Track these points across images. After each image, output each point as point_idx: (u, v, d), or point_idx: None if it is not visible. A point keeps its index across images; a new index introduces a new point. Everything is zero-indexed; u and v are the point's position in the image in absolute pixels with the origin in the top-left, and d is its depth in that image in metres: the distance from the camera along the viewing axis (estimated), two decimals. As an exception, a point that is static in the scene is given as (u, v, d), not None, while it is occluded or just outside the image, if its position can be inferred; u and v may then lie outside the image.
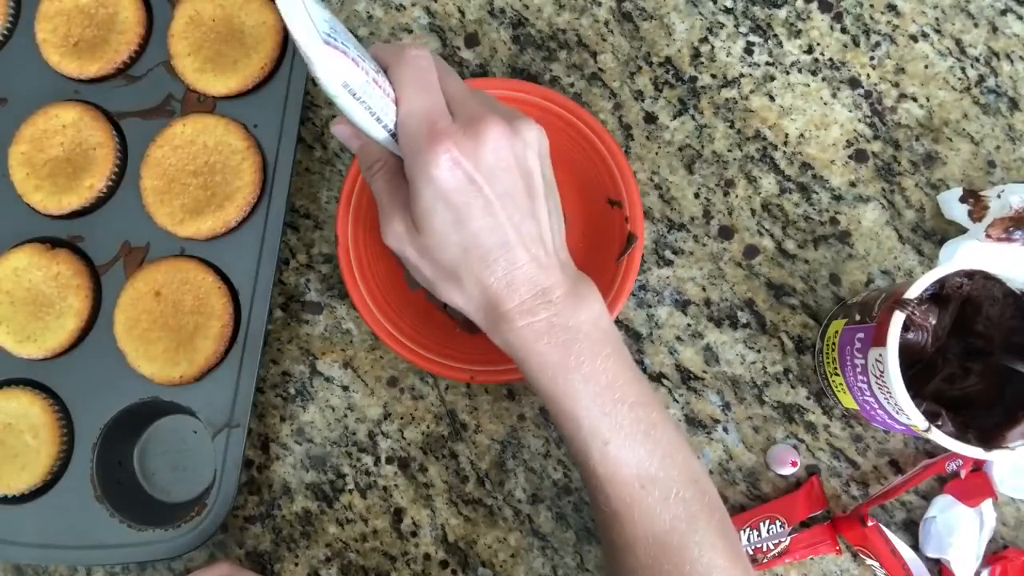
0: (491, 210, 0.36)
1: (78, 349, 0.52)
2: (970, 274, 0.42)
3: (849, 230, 0.53)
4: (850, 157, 0.54)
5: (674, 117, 0.55)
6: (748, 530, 0.48)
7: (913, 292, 0.41)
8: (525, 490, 0.52)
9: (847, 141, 0.54)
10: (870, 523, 0.47)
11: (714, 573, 0.37)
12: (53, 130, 0.54)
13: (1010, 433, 0.41)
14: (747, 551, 0.48)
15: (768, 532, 0.48)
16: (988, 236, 0.48)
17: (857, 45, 0.55)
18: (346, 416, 0.53)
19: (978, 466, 0.48)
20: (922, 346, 0.44)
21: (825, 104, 0.54)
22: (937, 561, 0.48)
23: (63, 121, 0.54)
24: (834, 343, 0.47)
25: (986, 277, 0.42)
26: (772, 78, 0.55)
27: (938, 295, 0.43)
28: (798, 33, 0.56)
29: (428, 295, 0.46)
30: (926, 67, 0.55)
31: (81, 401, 0.52)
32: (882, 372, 0.41)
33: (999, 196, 0.49)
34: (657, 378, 0.52)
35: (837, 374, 0.47)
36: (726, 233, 0.53)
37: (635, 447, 0.37)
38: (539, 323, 0.37)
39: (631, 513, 0.37)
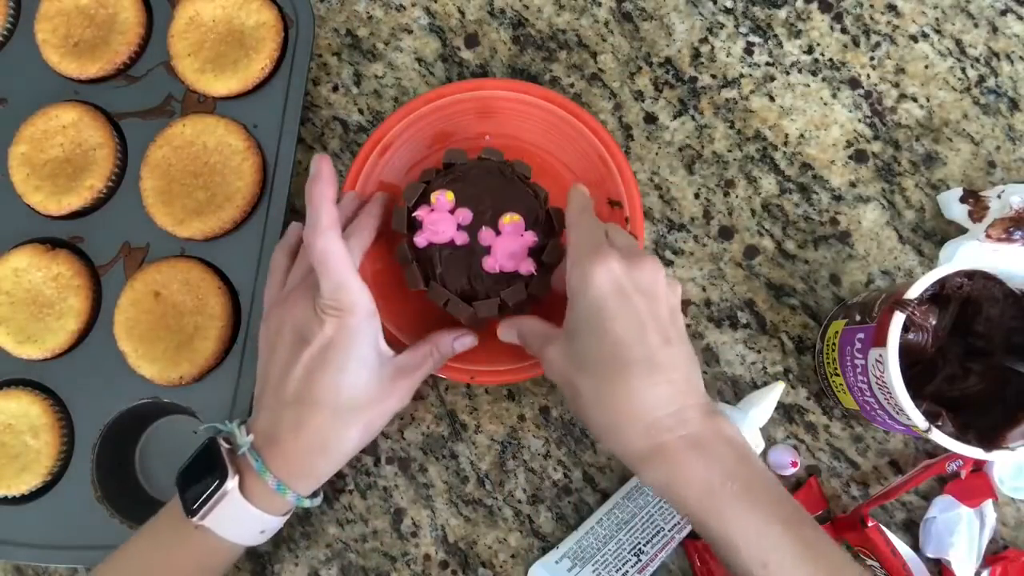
0: (639, 322, 0.38)
1: (78, 350, 0.52)
2: (970, 274, 0.42)
3: (849, 230, 0.53)
4: (850, 157, 0.54)
5: (674, 117, 0.55)
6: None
7: (913, 292, 0.41)
8: (525, 490, 0.52)
9: (847, 141, 0.54)
10: (870, 523, 0.47)
11: None
12: (53, 130, 0.54)
13: (1010, 433, 0.41)
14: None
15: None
16: (988, 236, 0.48)
17: (857, 45, 0.55)
18: (346, 416, 0.53)
19: (978, 466, 0.48)
20: (922, 346, 0.44)
21: (825, 104, 0.54)
22: (937, 561, 0.48)
23: (63, 121, 0.54)
24: (834, 343, 0.47)
25: (986, 277, 0.42)
26: (772, 78, 0.55)
27: (938, 295, 0.43)
28: (798, 33, 0.56)
29: (429, 294, 0.46)
30: (926, 67, 0.55)
31: (81, 401, 0.52)
32: (882, 372, 0.41)
33: (999, 196, 0.49)
34: (657, 378, 0.52)
35: (837, 374, 0.47)
36: (726, 233, 0.53)
37: (797, 567, 0.36)
38: (681, 441, 0.37)
39: None
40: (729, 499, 0.37)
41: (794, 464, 0.49)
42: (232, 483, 0.40)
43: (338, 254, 0.40)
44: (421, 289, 0.46)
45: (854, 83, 0.55)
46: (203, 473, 0.41)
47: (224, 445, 0.42)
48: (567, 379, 0.41)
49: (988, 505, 0.47)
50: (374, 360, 0.42)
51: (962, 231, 0.51)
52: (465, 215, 0.46)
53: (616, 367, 0.38)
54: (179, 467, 0.43)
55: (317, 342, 0.41)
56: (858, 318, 0.45)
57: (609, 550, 0.48)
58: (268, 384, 0.43)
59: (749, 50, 0.56)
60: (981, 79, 0.54)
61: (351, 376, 0.41)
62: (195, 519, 0.40)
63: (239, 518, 0.41)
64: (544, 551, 0.50)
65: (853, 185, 0.53)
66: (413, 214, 0.46)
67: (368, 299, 0.41)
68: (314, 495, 0.44)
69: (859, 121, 0.54)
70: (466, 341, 0.47)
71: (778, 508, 0.37)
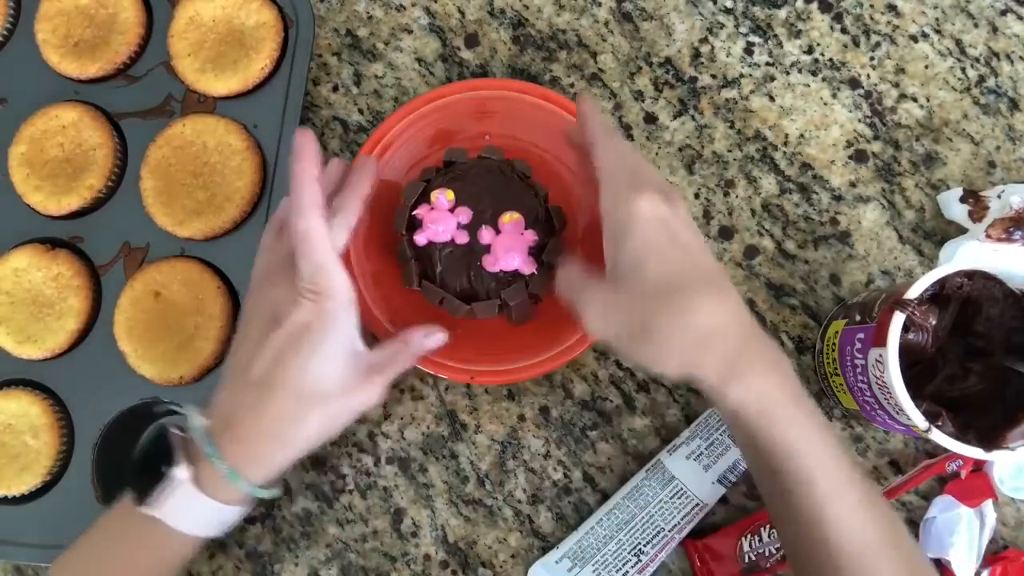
0: (695, 250, 0.37)
1: (78, 349, 0.52)
2: (970, 274, 0.42)
3: (849, 230, 0.53)
4: (850, 157, 0.54)
5: (674, 117, 0.55)
6: (749, 536, 0.48)
7: (913, 292, 0.41)
8: (525, 490, 0.52)
9: (847, 141, 0.54)
10: (870, 523, 0.47)
11: None
12: (53, 130, 0.54)
13: (1010, 433, 0.41)
14: (749, 558, 0.48)
15: (770, 537, 0.47)
16: (988, 236, 0.48)
17: (857, 45, 0.55)
18: (346, 416, 0.53)
19: (978, 466, 0.48)
20: (922, 346, 0.44)
21: (825, 104, 0.54)
22: (937, 561, 0.48)
23: (63, 121, 0.54)
24: (834, 343, 0.47)
25: (986, 277, 0.42)
26: (772, 78, 0.55)
27: (938, 295, 0.43)
28: (798, 33, 0.56)
29: (423, 293, 0.46)
30: (926, 67, 0.55)
31: (81, 401, 0.52)
32: (882, 372, 0.41)
33: (999, 196, 0.49)
34: (657, 378, 0.52)
35: (837, 374, 0.47)
36: (726, 233, 0.53)
37: (865, 511, 0.36)
38: (758, 357, 0.36)
39: None
40: (812, 421, 0.36)
41: (794, 464, 0.49)
42: (182, 471, 0.38)
43: (319, 236, 0.39)
44: (416, 288, 0.46)
45: (854, 83, 0.55)
46: (155, 461, 0.39)
47: (177, 433, 0.40)
48: (626, 319, 0.37)
49: (988, 505, 0.47)
50: (347, 350, 0.41)
51: (962, 231, 0.51)
52: (465, 214, 0.46)
53: (686, 290, 0.36)
54: (132, 455, 0.41)
55: (290, 325, 0.39)
56: (858, 318, 0.45)
57: (609, 550, 0.48)
58: (235, 364, 0.41)
59: (749, 50, 0.56)
60: (981, 79, 0.54)
61: (321, 363, 0.39)
62: (145, 509, 0.39)
63: (192, 508, 0.39)
64: (544, 551, 0.50)
65: (853, 185, 0.53)
66: (413, 213, 0.46)
67: (347, 286, 0.40)
68: (271, 485, 0.41)
69: (859, 121, 0.54)
70: (437, 338, 0.45)
71: (838, 450, 0.37)
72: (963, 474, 0.48)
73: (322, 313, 0.39)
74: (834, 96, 0.55)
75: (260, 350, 0.40)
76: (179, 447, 0.39)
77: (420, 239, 0.46)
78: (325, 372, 0.40)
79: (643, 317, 0.36)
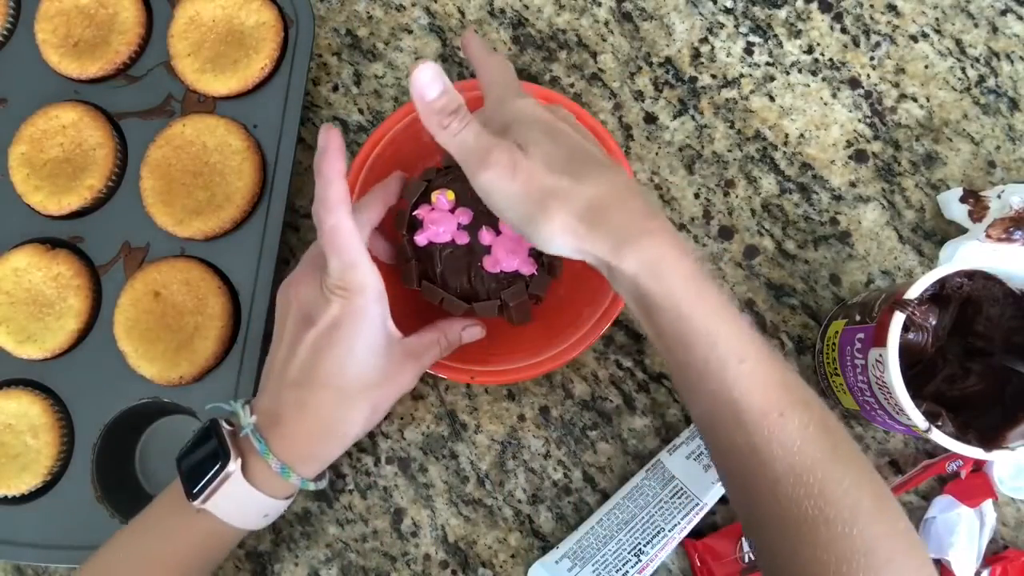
0: (574, 138, 0.38)
1: (78, 349, 0.52)
2: (970, 274, 0.42)
3: (849, 230, 0.53)
4: (850, 157, 0.54)
5: (674, 117, 0.55)
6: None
7: (913, 292, 0.41)
8: (525, 490, 0.52)
9: (847, 141, 0.54)
10: (870, 523, 0.47)
11: (861, 516, 0.33)
12: (53, 130, 0.54)
13: (1010, 433, 0.41)
14: (749, 557, 0.48)
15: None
16: (988, 236, 0.48)
17: (857, 45, 0.55)
18: (346, 416, 0.53)
19: (978, 466, 0.48)
20: (922, 346, 0.44)
21: (825, 104, 0.54)
22: (937, 561, 0.48)
23: (63, 121, 0.54)
24: (834, 343, 0.47)
25: (986, 277, 0.42)
26: (772, 78, 0.55)
27: (938, 295, 0.43)
28: (798, 33, 0.56)
29: (423, 293, 0.46)
30: (926, 67, 0.55)
31: (81, 401, 0.52)
32: (882, 372, 0.41)
33: (999, 196, 0.49)
34: (657, 378, 0.52)
35: (837, 374, 0.47)
36: (726, 233, 0.53)
37: (769, 369, 0.35)
38: (664, 229, 0.36)
39: (770, 447, 0.34)
40: (716, 293, 0.35)
41: (794, 464, 0.49)
42: (235, 465, 0.39)
43: (348, 232, 0.39)
44: (415, 288, 0.46)
45: (854, 83, 0.55)
46: (205, 455, 0.40)
47: (226, 427, 0.41)
48: (524, 194, 0.36)
49: (988, 505, 0.47)
50: (382, 341, 0.41)
51: (962, 231, 0.51)
52: (466, 214, 0.46)
53: (574, 166, 0.36)
54: (179, 449, 0.42)
55: (323, 322, 0.40)
56: (858, 318, 0.45)
57: (609, 550, 0.48)
58: (273, 364, 0.42)
59: (749, 50, 0.56)
60: (981, 79, 0.54)
61: (357, 357, 0.40)
62: (196, 503, 0.40)
63: (242, 501, 0.41)
64: (544, 551, 0.50)
65: (853, 185, 0.53)
66: (413, 213, 0.46)
67: (377, 279, 0.40)
68: (319, 477, 0.43)
69: (859, 121, 0.54)
70: (474, 331, 0.46)
71: (739, 314, 0.36)
72: (963, 474, 0.48)
73: (354, 309, 0.40)
74: (834, 96, 0.55)
75: (296, 350, 0.40)
76: (230, 442, 0.40)
77: (420, 239, 0.46)
78: (362, 365, 0.41)
79: (538, 190, 0.36)
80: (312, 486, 0.42)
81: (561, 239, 0.36)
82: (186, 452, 0.42)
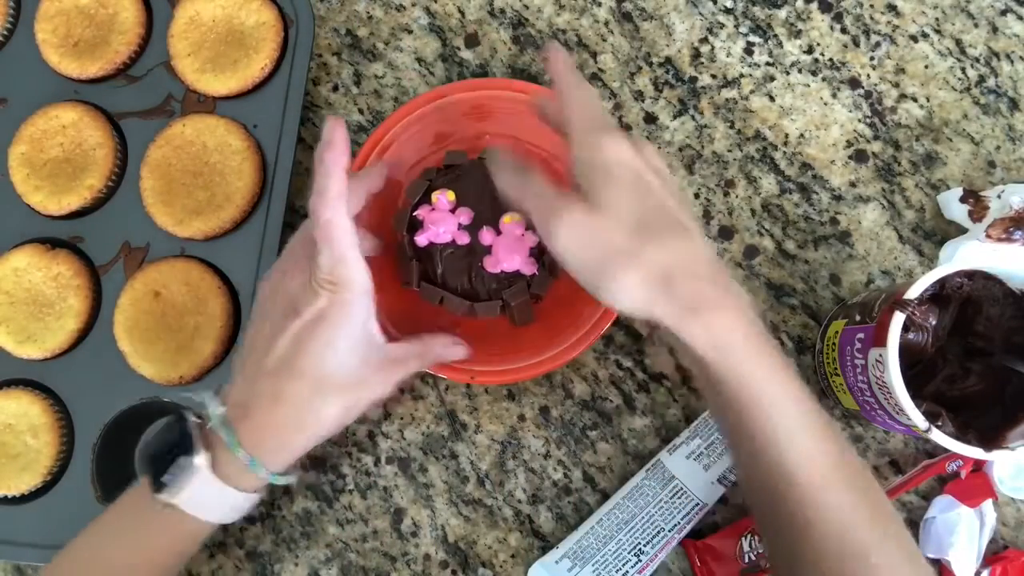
0: (658, 194, 0.37)
1: (78, 349, 0.52)
2: (970, 274, 0.42)
3: (849, 230, 0.53)
4: (850, 157, 0.54)
5: (674, 117, 0.55)
6: (749, 536, 0.48)
7: (913, 292, 0.41)
8: (525, 490, 0.52)
9: (847, 141, 0.54)
10: (870, 523, 0.47)
11: None
12: (53, 130, 0.54)
13: (1010, 433, 0.41)
14: (749, 557, 0.48)
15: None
16: (988, 236, 0.48)
17: (857, 45, 0.55)
18: (346, 416, 0.53)
19: (978, 466, 0.48)
20: (922, 346, 0.44)
21: (825, 104, 0.54)
22: (937, 561, 0.48)
23: (63, 121, 0.54)
24: (834, 343, 0.47)
25: (986, 277, 0.42)
26: (772, 78, 0.55)
27: (938, 295, 0.43)
28: (798, 33, 0.56)
29: (421, 293, 0.46)
30: (926, 67, 0.55)
31: (81, 401, 0.52)
32: (882, 372, 0.41)
33: (999, 196, 0.49)
34: (657, 378, 0.52)
35: (837, 374, 0.47)
36: (726, 233, 0.53)
37: (822, 442, 0.35)
38: (729, 296, 0.36)
39: (818, 521, 0.35)
40: (768, 367, 0.36)
41: (794, 464, 0.49)
42: (201, 459, 0.38)
43: (342, 227, 0.39)
44: (416, 289, 0.46)
45: (854, 83, 0.55)
46: (171, 448, 0.39)
47: (194, 419, 0.40)
48: (600, 247, 0.37)
49: (988, 505, 0.47)
50: (363, 341, 0.41)
51: (962, 231, 0.51)
52: (466, 215, 0.46)
53: (653, 227, 0.36)
54: (143, 441, 0.41)
55: (308, 314, 0.39)
56: (858, 318, 0.45)
57: (609, 550, 0.48)
58: (252, 351, 0.41)
59: (749, 50, 0.56)
60: (981, 79, 0.54)
61: (339, 353, 0.40)
62: (163, 496, 0.39)
63: (209, 496, 0.40)
64: (544, 551, 0.50)
65: (853, 185, 0.53)
66: (414, 213, 0.46)
67: (365, 277, 0.40)
68: (287, 472, 0.42)
69: (859, 121, 0.54)
70: (457, 351, 0.46)
71: (795, 384, 0.36)
72: (963, 474, 0.48)
73: (340, 303, 0.39)
74: (834, 96, 0.55)
75: (277, 339, 0.40)
76: (197, 434, 0.39)
77: (421, 240, 0.46)
78: (342, 361, 0.40)
79: (615, 249, 0.36)
80: (281, 480, 0.41)
81: (629, 300, 0.36)
82: (151, 445, 0.40)
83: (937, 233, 0.52)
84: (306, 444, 0.41)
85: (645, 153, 0.38)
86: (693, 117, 0.55)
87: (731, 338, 0.36)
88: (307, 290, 0.40)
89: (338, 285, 0.39)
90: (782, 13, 0.56)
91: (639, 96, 0.55)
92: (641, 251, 0.36)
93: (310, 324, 0.39)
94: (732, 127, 0.55)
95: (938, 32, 0.55)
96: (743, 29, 0.56)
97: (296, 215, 0.56)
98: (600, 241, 0.36)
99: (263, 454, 0.40)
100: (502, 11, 0.57)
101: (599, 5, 0.57)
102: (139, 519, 0.41)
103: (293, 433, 0.40)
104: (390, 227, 0.48)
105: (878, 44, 0.55)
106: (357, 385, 0.41)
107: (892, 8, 0.55)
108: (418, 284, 0.46)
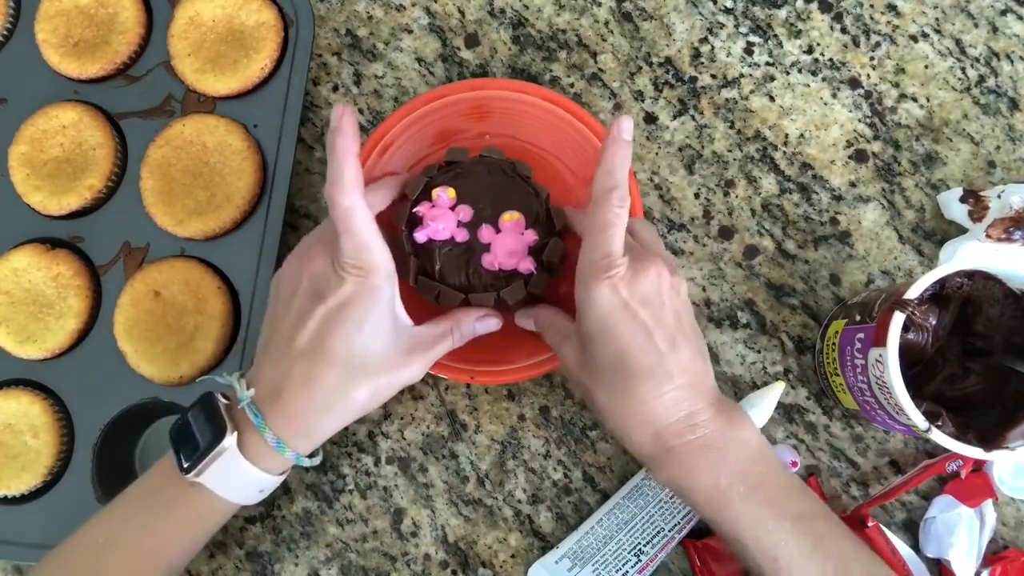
0: (645, 333, 0.39)
1: (78, 349, 0.52)
2: (970, 274, 0.42)
3: (849, 230, 0.53)
4: (850, 157, 0.54)
5: (674, 117, 0.55)
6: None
7: (913, 292, 0.41)
8: (525, 490, 0.52)
9: (847, 141, 0.54)
10: (870, 524, 0.47)
11: None
12: (53, 130, 0.54)
13: (1010, 433, 0.41)
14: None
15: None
16: (988, 236, 0.48)
17: (857, 45, 0.55)
18: (346, 416, 0.53)
19: (978, 466, 0.48)
20: (922, 346, 0.44)
21: (825, 104, 0.54)
22: (937, 561, 0.48)
23: (63, 121, 0.54)
24: (834, 343, 0.47)
25: (986, 277, 0.42)
26: (772, 78, 0.55)
27: (938, 295, 0.43)
28: (798, 33, 0.56)
29: (418, 289, 0.46)
30: (926, 67, 0.55)
31: (81, 401, 0.52)
32: (882, 372, 0.41)
33: (999, 196, 0.49)
34: (657, 378, 0.52)
35: (837, 374, 0.47)
36: (726, 233, 0.53)
37: (806, 563, 0.37)
38: (690, 445, 0.39)
39: None
40: (736, 499, 0.38)
41: (794, 464, 0.49)
42: (230, 439, 0.39)
43: (361, 213, 0.39)
44: (412, 284, 0.46)
45: (854, 83, 0.55)
46: (199, 429, 0.40)
47: (222, 400, 0.41)
48: (580, 382, 0.42)
49: (988, 505, 0.47)
50: (390, 325, 0.41)
51: (962, 231, 0.51)
52: (465, 212, 0.46)
53: (624, 377, 0.39)
54: (173, 422, 0.41)
55: (334, 299, 0.40)
56: (858, 318, 0.45)
57: (609, 550, 0.48)
58: (278, 335, 0.41)
59: (749, 50, 0.56)
60: (981, 79, 0.54)
61: (367, 336, 0.40)
62: (190, 476, 0.39)
63: (237, 476, 0.40)
64: (544, 551, 0.50)
65: (853, 185, 0.53)
66: (414, 209, 0.46)
67: (388, 260, 0.40)
68: (313, 455, 0.42)
69: (859, 121, 0.54)
70: (490, 323, 0.46)
71: (789, 504, 0.38)
72: (963, 474, 0.48)
73: (366, 288, 0.40)
74: (834, 96, 0.55)
75: (305, 323, 0.40)
76: (226, 415, 0.40)
77: (420, 236, 0.46)
78: (370, 345, 0.40)
79: (597, 396, 0.40)
80: (307, 462, 0.42)
81: (610, 432, 0.43)
82: (180, 425, 0.41)
83: (937, 233, 0.52)
84: (334, 427, 0.42)
85: (637, 286, 0.40)
86: (693, 117, 0.55)
87: (683, 484, 0.39)
88: (332, 275, 0.40)
89: (363, 270, 0.39)
90: (782, 13, 0.56)
91: (639, 96, 0.55)
92: (610, 399, 0.40)
93: (337, 309, 0.40)
94: (732, 127, 0.55)
95: (938, 32, 0.55)
96: (743, 29, 0.56)
97: (296, 215, 0.56)
98: (583, 376, 0.42)
99: (290, 437, 0.40)
100: (502, 11, 0.57)
101: (599, 5, 0.57)
102: (165, 497, 0.41)
103: (322, 416, 0.41)
104: (391, 222, 0.48)
105: (878, 44, 0.55)
106: (387, 369, 0.41)
107: (892, 8, 0.55)
108: (415, 279, 0.46)
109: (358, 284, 0.40)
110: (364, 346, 0.40)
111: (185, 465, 0.39)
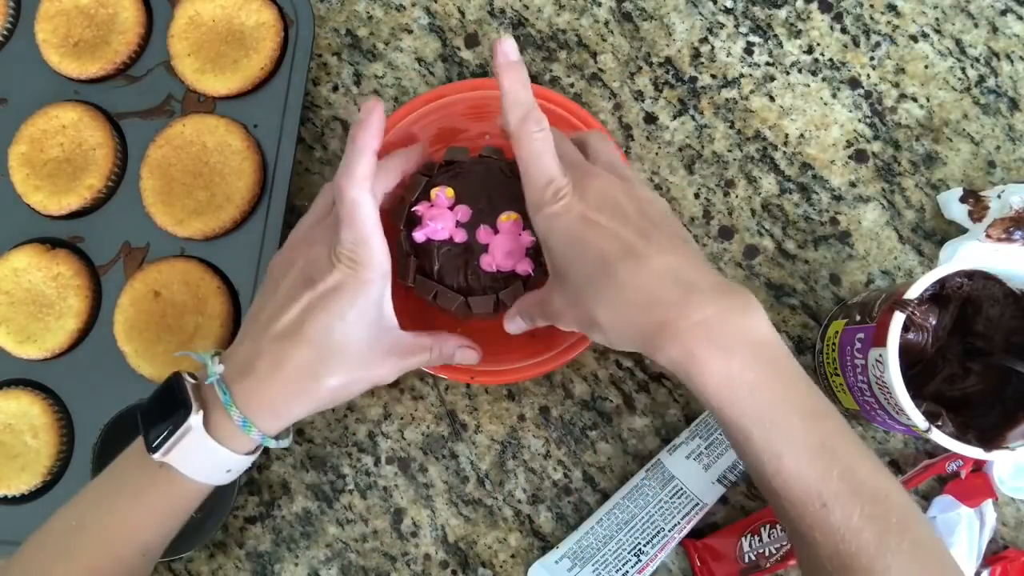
0: (610, 235, 0.38)
1: (78, 349, 0.52)
2: (970, 274, 0.42)
3: (849, 230, 0.53)
4: (850, 157, 0.54)
5: (674, 117, 0.55)
6: (749, 536, 0.48)
7: (913, 292, 0.41)
8: (525, 490, 0.52)
9: (847, 141, 0.54)
10: (870, 523, 0.47)
11: None
12: (53, 130, 0.54)
13: (1010, 433, 0.41)
14: (749, 557, 0.48)
15: (769, 537, 0.48)
16: (988, 236, 0.48)
17: (857, 45, 0.55)
18: (346, 416, 0.53)
19: (978, 466, 0.48)
20: (922, 346, 0.44)
21: (825, 104, 0.54)
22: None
23: (63, 121, 0.54)
24: (834, 343, 0.47)
25: (986, 277, 0.42)
26: (772, 78, 0.55)
27: (938, 295, 0.43)
28: (798, 33, 0.56)
29: (415, 289, 0.46)
30: (926, 67, 0.55)
31: (81, 401, 0.52)
32: (882, 372, 0.41)
33: (999, 196, 0.49)
34: (657, 378, 0.52)
35: (837, 374, 0.47)
36: (726, 233, 0.53)
37: (812, 461, 0.34)
38: (690, 324, 0.35)
39: (813, 534, 0.34)
40: (743, 387, 0.35)
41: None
42: (195, 419, 0.38)
43: (367, 208, 0.39)
44: (410, 284, 0.46)
45: (854, 83, 0.55)
46: (167, 408, 0.39)
47: (189, 380, 0.40)
48: (577, 313, 0.40)
49: (988, 505, 0.47)
50: (374, 321, 0.41)
51: (962, 231, 0.51)
52: (464, 212, 0.46)
53: (605, 274, 0.37)
54: (143, 403, 0.41)
55: (323, 286, 0.40)
56: (858, 318, 0.45)
57: (609, 550, 0.48)
58: (261, 313, 0.41)
59: (749, 50, 0.56)
60: (981, 79, 0.54)
61: (348, 326, 0.40)
62: (157, 455, 0.39)
63: (203, 455, 0.40)
64: (544, 551, 0.50)
65: (853, 185, 0.53)
66: (412, 209, 0.46)
67: (385, 259, 0.41)
68: (280, 437, 0.42)
69: (859, 121, 0.54)
70: (469, 355, 0.46)
71: (798, 398, 0.36)
72: (963, 474, 0.48)
73: (357, 280, 0.40)
74: (834, 96, 0.55)
75: (289, 306, 0.40)
76: (192, 393, 0.39)
77: (419, 236, 0.46)
78: (349, 335, 0.40)
79: (587, 312, 0.38)
80: (273, 444, 0.41)
81: (625, 347, 0.39)
82: (148, 404, 0.41)
83: (937, 233, 0.52)
84: (301, 412, 0.41)
85: (588, 198, 0.39)
86: (693, 117, 0.55)
87: (691, 368, 0.35)
88: (325, 262, 0.40)
89: (358, 263, 0.40)
90: (782, 13, 0.56)
91: (639, 96, 0.55)
92: (606, 307, 0.38)
93: (324, 295, 0.40)
94: (732, 127, 0.55)
95: (938, 32, 0.55)
96: (743, 29, 0.56)
97: (296, 215, 0.56)
98: (576, 313, 0.40)
99: (257, 416, 0.39)
100: (502, 11, 0.57)
101: (599, 5, 0.57)
102: (133, 479, 0.41)
103: (290, 398, 0.40)
104: (389, 220, 0.48)
105: (878, 44, 0.55)
106: (362, 364, 0.41)
107: (892, 8, 0.55)
108: (413, 279, 0.46)
109: (350, 275, 0.40)
110: (343, 334, 0.40)
111: (153, 445, 0.39)
